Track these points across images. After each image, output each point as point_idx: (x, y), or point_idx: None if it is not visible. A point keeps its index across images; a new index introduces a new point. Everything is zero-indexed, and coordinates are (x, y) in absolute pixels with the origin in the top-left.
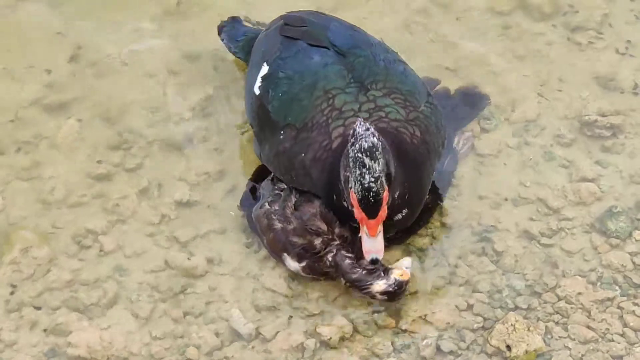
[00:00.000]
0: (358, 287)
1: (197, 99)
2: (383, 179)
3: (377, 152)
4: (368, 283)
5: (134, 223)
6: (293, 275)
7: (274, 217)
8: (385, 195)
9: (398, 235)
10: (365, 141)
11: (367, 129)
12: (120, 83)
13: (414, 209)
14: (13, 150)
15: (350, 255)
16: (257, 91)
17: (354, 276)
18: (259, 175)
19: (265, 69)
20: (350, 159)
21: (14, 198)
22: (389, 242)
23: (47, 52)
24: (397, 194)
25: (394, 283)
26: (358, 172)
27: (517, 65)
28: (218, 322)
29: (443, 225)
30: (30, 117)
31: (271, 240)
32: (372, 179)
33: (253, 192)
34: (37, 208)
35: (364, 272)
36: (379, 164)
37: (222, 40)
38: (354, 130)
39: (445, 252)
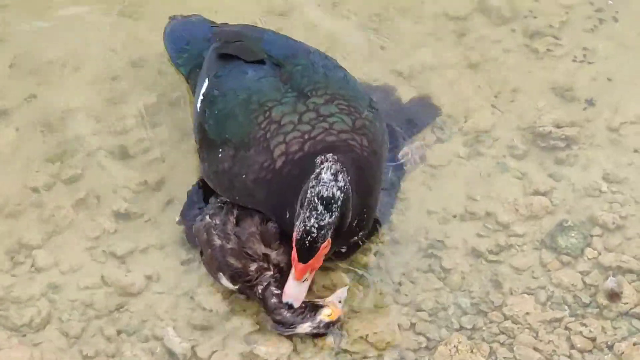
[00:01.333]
0: (282, 327)
1: (141, 107)
2: (328, 231)
3: (334, 205)
4: (292, 326)
5: (70, 236)
6: (230, 294)
7: (214, 232)
8: (324, 246)
9: (343, 251)
10: (327, 190)
11: (334, 178)
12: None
13: (369, 227)
14: None
15: (278, 292)
16: (197, 108)
17: (278, 317)
18: (201, 185)
19: (204, 86)
20: (306, 199)
21: None
22: (335, 256)
23: None
24: (356, 221)
25: (319, 325)
26: (307, 214)
27: (472, 74)
28: (152, 341)
29: (389, 240)
30: None
31: (209, 256)
32: (316, 226)
33: (193, 203)
34: None
35: (288, 313)
36: (331, 216)
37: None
38: (320, 172)
39: (390, 269)
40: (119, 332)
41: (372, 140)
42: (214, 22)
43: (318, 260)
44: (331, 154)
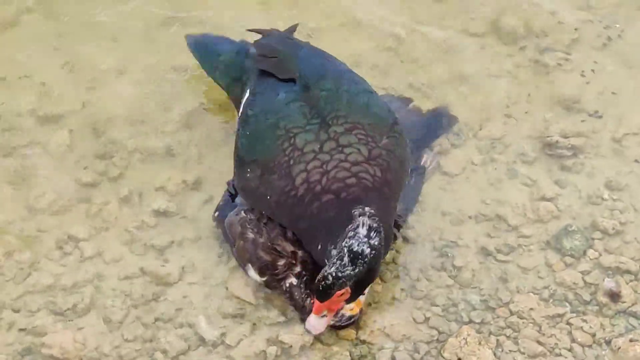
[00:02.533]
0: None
1: (181, 111)
2: (347, 282)
3: (360, 260)
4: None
5: (114, 230)
6: (258, 286)
7: (248, 226)
8: (340, 293)
9: None
10: (358, 245)
11: (367, 234)
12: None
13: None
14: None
15: (306, 290)
16: (237, 122)
17: (304, 311)
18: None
19: (244, 98)
20: (339, 247)
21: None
22: None
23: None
24: None
25: (342, 318)
26: (334, 261)
27: (486, 85)
28: (185, 327)
29: (406, 239)
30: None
31: (240, 248)
32: (334, 275)
33: (230, 200)
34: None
35: None
36: (354, 269)
37: None
38: (358, 225)
39: (407, 265)
40: (155, 320)
41: (387, 170)
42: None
43: (335, 303)
44: (368, 208)
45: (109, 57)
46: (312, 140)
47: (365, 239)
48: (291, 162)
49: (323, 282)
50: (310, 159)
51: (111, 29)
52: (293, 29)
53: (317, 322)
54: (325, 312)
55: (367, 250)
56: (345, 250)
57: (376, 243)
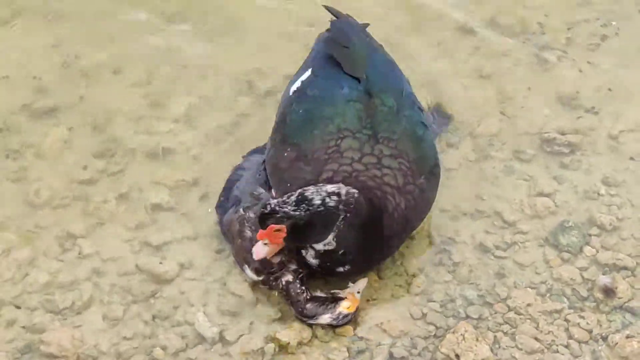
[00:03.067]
0: (305, 318)
1: (181, 108)
2: (284, 220)
3: (304, 205)
4: (314, 317)
5: (112, 226)
6: (256, 283)
7: (247, 225)
8: (276, 228)
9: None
10: (312, 194)
11: (331, 194)
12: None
13: (359, 268)
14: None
15: (300, 286)
16: (291, 93)
17: (300, 309)
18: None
19: (305, 75)
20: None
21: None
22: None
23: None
24: (342, 251)
25: (339, 317)
26: (284, 197)
27: (484, 83)
28: (184, 325)
29: (405, 236)
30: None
31: (238, 247)
32: (275, 209)
33: (228, 197)
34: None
35: (311, 305)
36: (294, 211)
37: None
38: (333, 186)
39: (405, 261)
40: (153, 317)
41: (411, 208)
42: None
43: (274, 238)
44: (357, 191)
45: (105, 54)
46: (356, 148)
47: (324, 193)
48: (328, 159)
49: (262, 209)
50: (345, 162)
51: (108, 27)
52: (365, 25)
53: (259, 249)
54: (265, 241)
55: (318, 202)
56: (298, 192)
57: (331, 205)
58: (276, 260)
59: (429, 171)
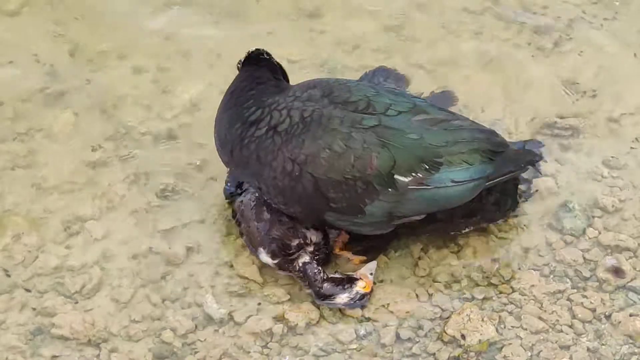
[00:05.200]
0: (322, 298)
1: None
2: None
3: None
4: (332, 296)
5: (121, 210)
6: (264, 265)
7: (264, 207)
8: None
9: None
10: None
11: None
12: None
13: None
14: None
15: (318, 267)
16: None
17: (318, 288)
18: None
19: None
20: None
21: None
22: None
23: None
24: None
25: (356, 297)
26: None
27: (487, 67)
28: (193, 307)
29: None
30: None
31: (252, 231)
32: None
33: (234, 182)
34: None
35: (329, 285)
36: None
37: None
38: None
39: (410, 244)
40: (163, 299)
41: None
42: None
43: None
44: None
45: (110, 42)
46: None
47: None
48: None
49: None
50: None
51: (111, 14)
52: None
53: None
54: None
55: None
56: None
57: None
58: (294, 242)
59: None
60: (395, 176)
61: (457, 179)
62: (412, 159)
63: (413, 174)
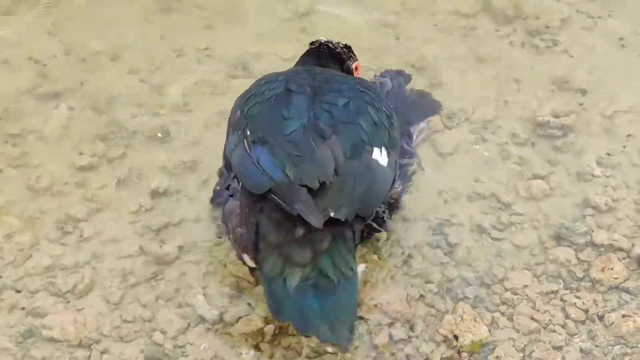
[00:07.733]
0: None
1: (177, 93)
2: None
3: None
4: None
5: (112, 210)
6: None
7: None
8: None
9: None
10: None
11: None
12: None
13: None
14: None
15: None
16: None
17: None
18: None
19: None
20: None
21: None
22: None
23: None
24: None
25: None
26: None
27: (479, 67)
28: (184, 307)
29: (401, 218)
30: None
31: (238, 236)
32: None
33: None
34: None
35: None
36: None
37: None
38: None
39: (402, 243)
40: (156, 298)
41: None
42: None
43: None
44: None
45: (104, 41)
46: None
47: None
48: None
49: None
50: None
51: (106, 14)
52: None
53: None
54: None
55: None
56: None
57: None
58: None
59: None
60: None
61: None
62: None
63: None
